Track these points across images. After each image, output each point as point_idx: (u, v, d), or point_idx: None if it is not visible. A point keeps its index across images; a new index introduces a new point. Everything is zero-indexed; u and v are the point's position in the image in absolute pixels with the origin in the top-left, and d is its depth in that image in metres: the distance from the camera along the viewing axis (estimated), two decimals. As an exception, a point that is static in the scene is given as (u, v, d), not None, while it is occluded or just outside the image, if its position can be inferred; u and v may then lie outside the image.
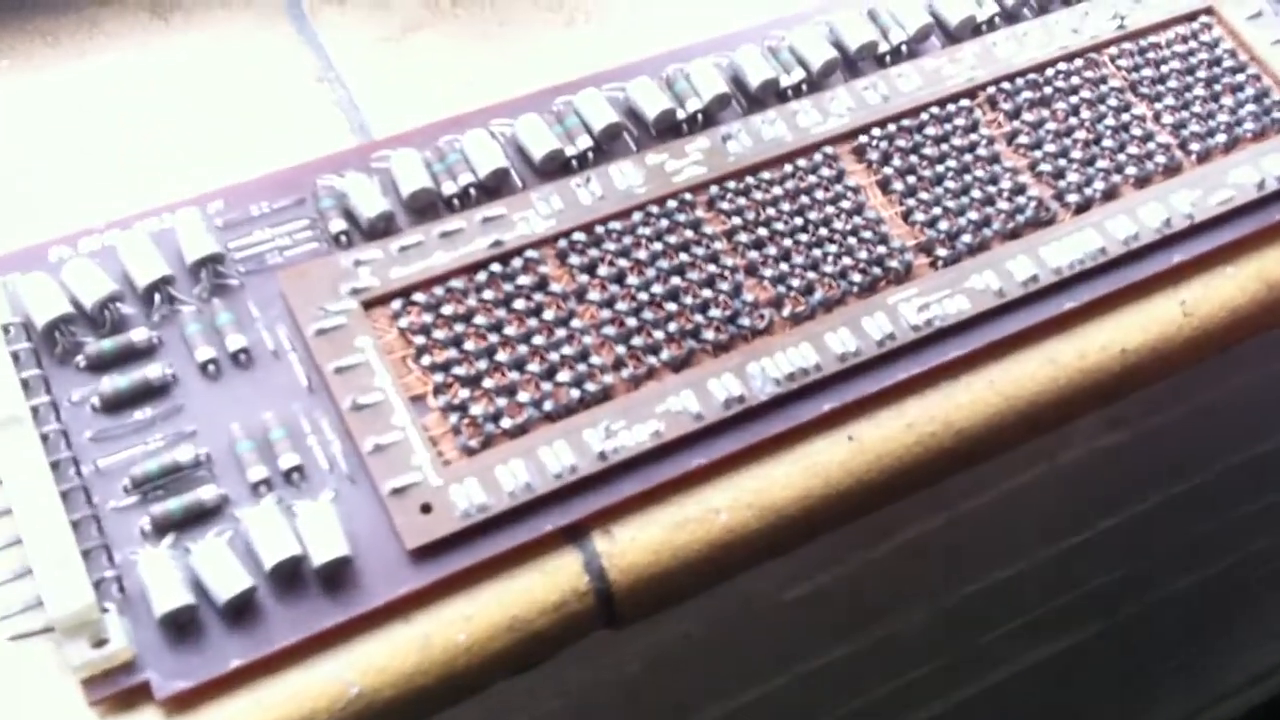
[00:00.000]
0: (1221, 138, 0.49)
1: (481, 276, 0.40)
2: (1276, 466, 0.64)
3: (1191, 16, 0.53)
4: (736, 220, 0.43)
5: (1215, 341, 0.47)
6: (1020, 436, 0.44)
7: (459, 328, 0.39)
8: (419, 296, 0.39)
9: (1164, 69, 0.51)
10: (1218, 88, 0.51)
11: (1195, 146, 0.49)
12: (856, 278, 0.43)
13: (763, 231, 0.43)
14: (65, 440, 0.35)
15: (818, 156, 0.46)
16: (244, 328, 0.38)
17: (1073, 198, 0.46)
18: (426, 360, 0.38)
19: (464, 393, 0.38)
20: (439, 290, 0.40)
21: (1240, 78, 0.51)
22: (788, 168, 0.45)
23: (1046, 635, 0.67)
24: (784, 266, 0.43)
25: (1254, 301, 0.47)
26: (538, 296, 0.40)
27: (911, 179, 0.46)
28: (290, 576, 0.34)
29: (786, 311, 0.42)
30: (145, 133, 0.44)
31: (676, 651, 0.49)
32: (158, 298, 0.38)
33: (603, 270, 0.41)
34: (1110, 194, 0.47)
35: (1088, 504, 0.59)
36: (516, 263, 0.41)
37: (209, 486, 0.35)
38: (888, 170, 0.46)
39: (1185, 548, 0.69)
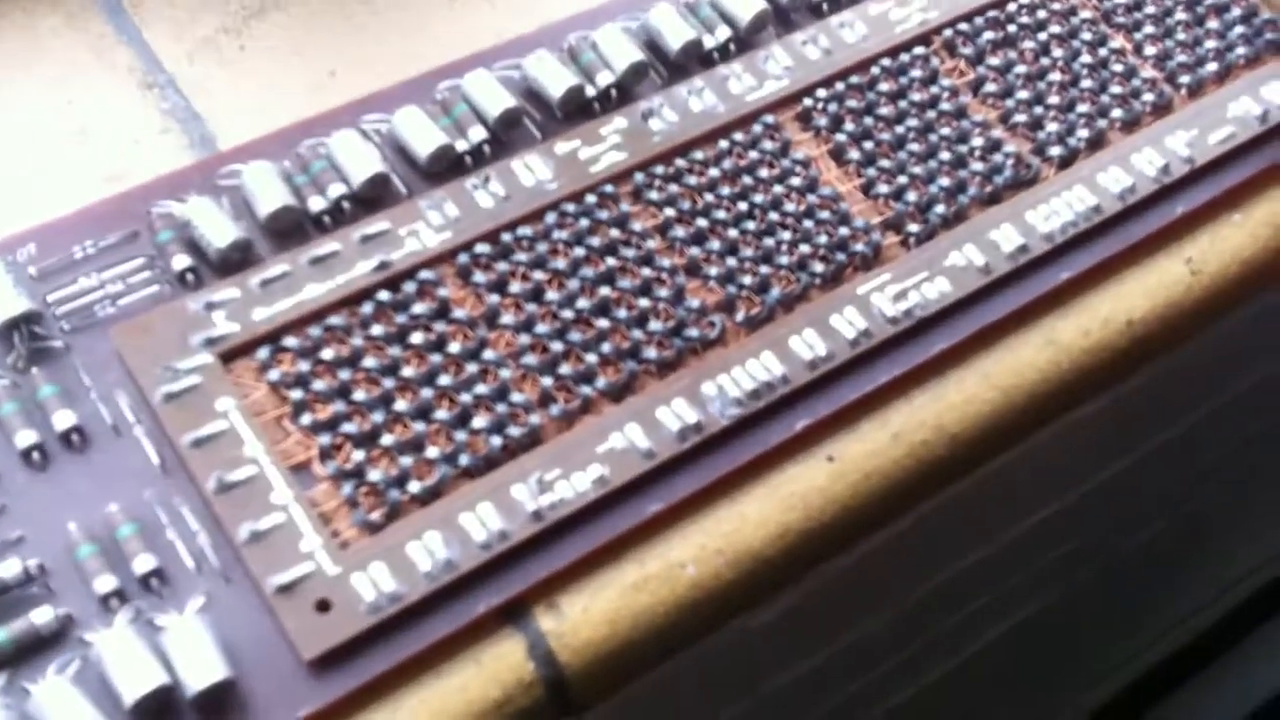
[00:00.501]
0: (1212, 66, 0.46)
1: (367, 308, 0.36)
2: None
3: (1160, -69, 0.50)
4: (669, 211, 0.39)
5: (1227, 299, 0.44)
6: (1023, 433, 0.41)
7: (344, 375, 0.34)
8: (290, 341, 0.35)
9: (1138, -7, 0.48)
10: (1200, 10, 0.48)
11: (1185, 79, 0.46)
12: (818, 267, 0.39)
13: (702, 222, 0.39)
14: None
15: (757, 128, 0.41)
16: (74, 400, 0.33)
17: (1055, 150, 0.43)
18: (307, 419, 0.33)
19: (358, 455, 0.33)
20: (315, 330, 0.35)
21: (1223, -4, 0.48)
22: (723, 144, 0.41)
23: (1012, 604, 0.67)
24: (731, 262, 0.38)
25: (1266, 249, 0.44)
26: (438, 326, 0.36)
27: (869, 145, 0.42)
28: (159, 713, 0.29)
29: (740, 315, 0.38)
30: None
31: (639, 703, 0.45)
32: (-40, 374, 0.33)
33: (515, 287, 0.37)
34: (1096, 142, 0.44)
35: (1054, 478, 0.57)
36: (409, 287, 0.36)
37: (45, 608, 0.30)
38: (840, 137, 0.42)
39: (1152, 502, 0.68)
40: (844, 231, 0.40)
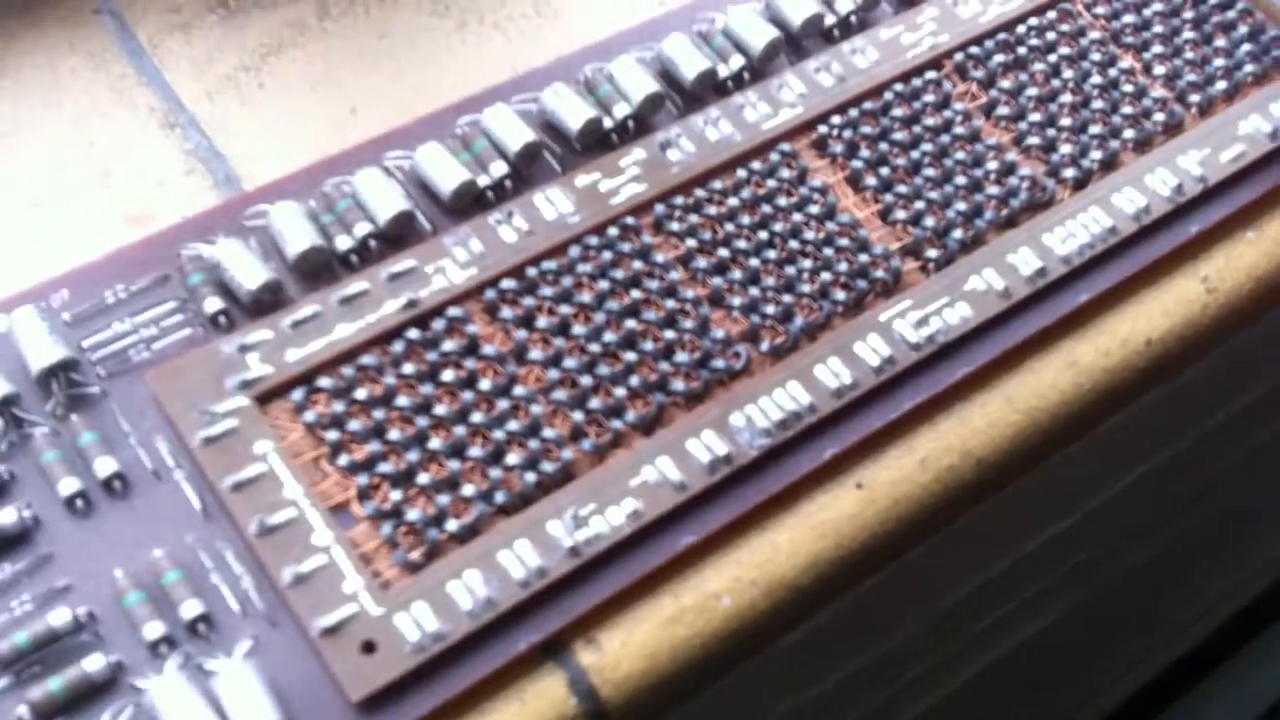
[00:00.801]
0: (1222, 85, 0.47)
1: (397, 347, 0.37)
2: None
3: (1166, -51, 0.51)
4: (691, 242, 0.40)
5: (1242, 317, 0.45)
6: (1046, 454, 0.42)
7: (378, 414, 0.35)
8: (324, 381, 0.36)
9: (1146, 12, 0.49)
10: (1208, 28, 0.49)
11: (1195, 98, 0.47)
12: (840, 295, 0.40)
13: (723, 252, 0.40)
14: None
15: (774, 156, 0.43)
16: (114, 446, 0.34)
17: (1069, 172, 0.44)
18: (344, 459, 0.34)
19: (395, 494, 0.34)
20: (348, 370, 0.36)
21: (1230, 14, 0.50)
22: (741, 173, 0.42)
23: (1028, 615, 0.68)
24: (754, 292, 0.40)
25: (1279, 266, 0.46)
26: (469, 363, 0.37)
27: (885, 171, 0.43)
28: (211, 757, 0.30)
29: (765, 345, 0.39)
30: (-42, 214, 0.39)
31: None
32: (1, 423, 0.34)
33: (542, 321, 0.38)
34: (1110, 163, 0.45)
35: (1069, 490, 0.59)
36: (437, 325, 0.37)
37: (96, 655, 0.31)
38: (856, 163, 0.43)
39: (1169, 509, 0.70)
40: (864, 258, 0.41)
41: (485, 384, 0.36)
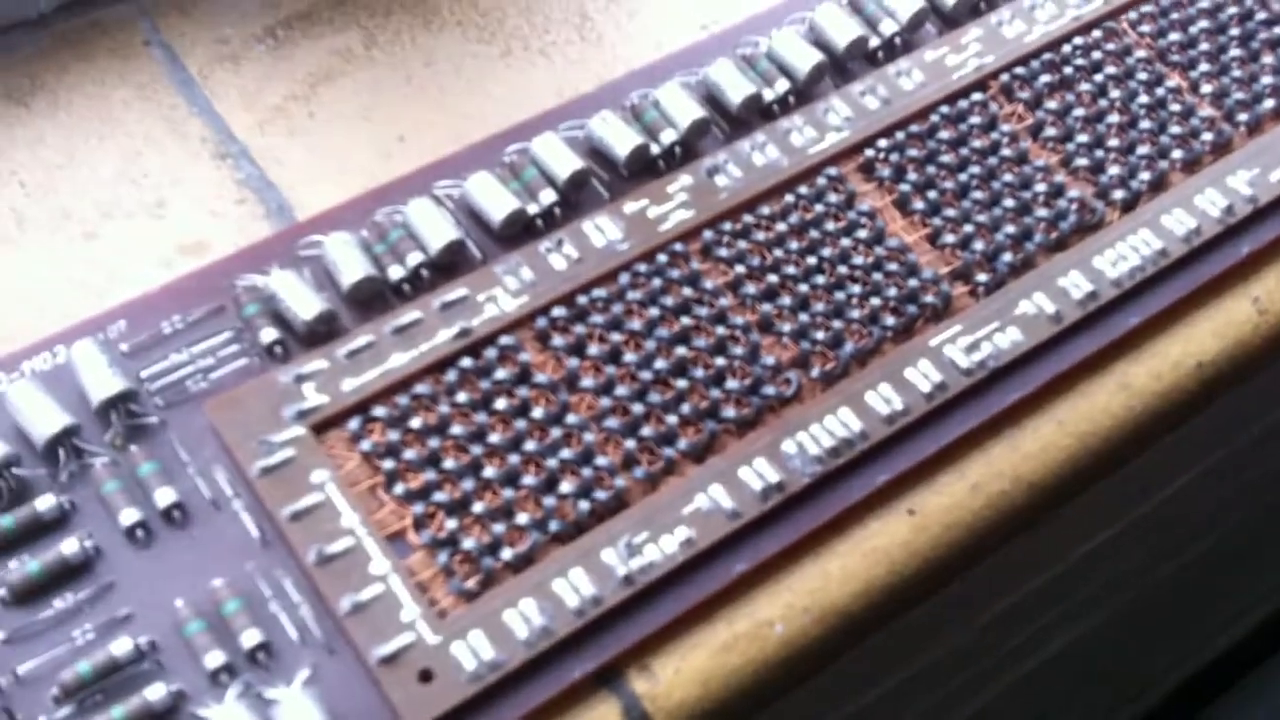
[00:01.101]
0: (1270, 103, 0.48)
1: (451, 376, 0.37)
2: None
3: (1212, -34, 0.51)
4: (740, 268, 0.41)
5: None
6: (1096, 478, 0.42)
7: (433, 443, 0.36)
8: (379, 410, 0.36)
9: (1192, 30, 0.49)
10: (1255, 45, 0.49)
11: (1243, 117, 0.47)
12: (889, 320, 0.40)
13: (772, 278, 0.41)
14: (-32, 648, 0.32)
15: (821, 180, 0.43)
16: (173, 476, 0.35)
17: (1118, 194, 0.44)
18: (400, 489, 0.35)
19: (451, 523, 0.35)
20: (402, 399, 0.36)
21: (1278, 30, 0.50)
22: (789, 198, 0.42)
23: (1074, 619, 0.68)
24: (804, 317, 0.40)
25: (1333, 286, 0.46)
26: (521, 391, 0.37)
27: (932, 194, 0.43)
28: (273, 786, 0.31)
29: (815, 371, 0.39)
30: (10, 248, 0.40)
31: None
32: (62, 454, 0.35)
33: (593, 349, 0.38)
34: (1159, 184, 0.45)
35: (1110, 505, 0.59)
36: (490, 353, 0.38)
37: (157, 685, 0.31)
38: (904, 187, 0.43)
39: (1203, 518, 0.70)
40: (913, 283, 0.41)
41: (538, 412, 0.37)
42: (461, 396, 0.37)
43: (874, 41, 0.47)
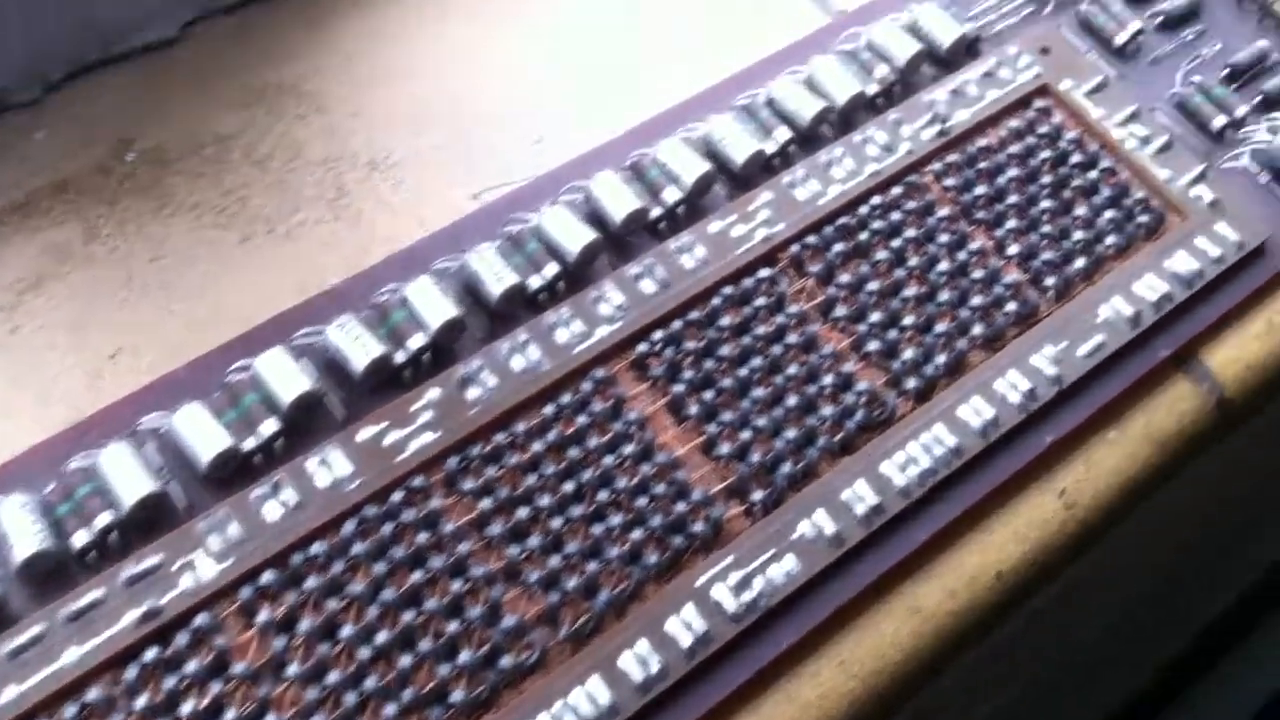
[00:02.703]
0: (1080, 262, 0.41)
1: (131, 673, 0.30)
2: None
3: (1024, 102, 0.44)
4: (486, 502, 0.34)
5: (1109, 520, 0.39)
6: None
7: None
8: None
9: (1001, 180, 0.43)
10: (1067, 194, 0.43)
11: (1051, 280, 0.41)
12: (653, 558, 0.34)
13: (522, 512, 0.34)
14: None
15: (586, 385, 0.36)
16: None
17: (911, 382, 0.38)
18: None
19: None
20: (69, 711, 0.29)
21: (1092, 175, 0.43)
22: (548, 409, 0.36)
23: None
24: (554, 561, 0.33)
25: (1145, 466, 0.40)
26: (215, 686, 0.30)
27: (709, 395, 0.37)
28: None
29: (564, 631, 0.32)
30: None
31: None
32: None
33: (305, 623, 0.31)
34: (956, 367, 0.38)
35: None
36: (181, 639, 0.31)
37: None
38: (678, 388, 0.37)
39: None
40: (681, 507, 0.34)
41: (230, 715, 0.30)
42: (142, 701, 0.30)
43: (655, 211, 0.40)
